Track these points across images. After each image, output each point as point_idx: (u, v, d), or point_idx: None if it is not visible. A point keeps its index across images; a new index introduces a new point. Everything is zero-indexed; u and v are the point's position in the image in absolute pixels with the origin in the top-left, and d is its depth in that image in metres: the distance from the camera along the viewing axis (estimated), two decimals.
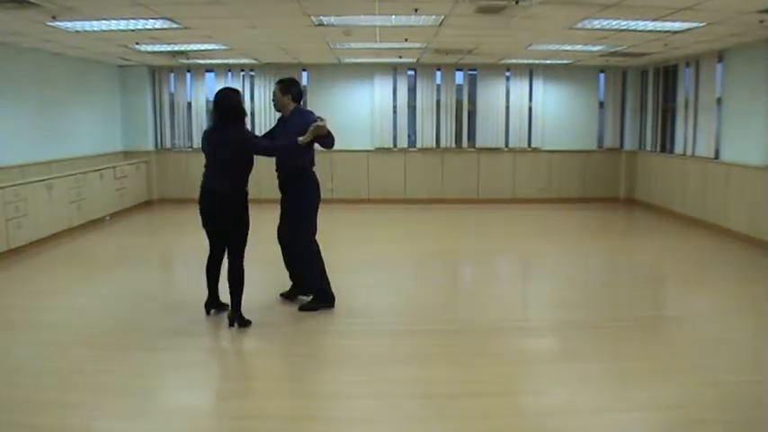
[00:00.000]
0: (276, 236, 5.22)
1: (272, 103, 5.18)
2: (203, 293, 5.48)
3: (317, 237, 5.07)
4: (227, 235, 4.65)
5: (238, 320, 4.67)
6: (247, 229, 4.63)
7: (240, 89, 10.86)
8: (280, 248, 5.24)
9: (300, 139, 4.66)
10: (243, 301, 4.66)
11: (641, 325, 4.84)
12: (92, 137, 9.89)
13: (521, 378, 3.90)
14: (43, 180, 7.68)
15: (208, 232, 4.80)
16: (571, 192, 11.37)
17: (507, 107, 11.24)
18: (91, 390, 3.61)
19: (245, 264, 4.65)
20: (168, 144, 11.38)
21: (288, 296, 5.32)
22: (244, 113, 4.64)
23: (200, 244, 5.27)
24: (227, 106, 4.55)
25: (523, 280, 6.79)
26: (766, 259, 6.93)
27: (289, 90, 4.95)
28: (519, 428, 3.24)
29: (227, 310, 4.79)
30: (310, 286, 5.15)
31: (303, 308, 5.09)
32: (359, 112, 11.19)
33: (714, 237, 8.17)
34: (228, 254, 4.67)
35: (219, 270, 4.85)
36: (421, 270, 6.83)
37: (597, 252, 7.76)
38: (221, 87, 4.80)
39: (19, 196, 7.07)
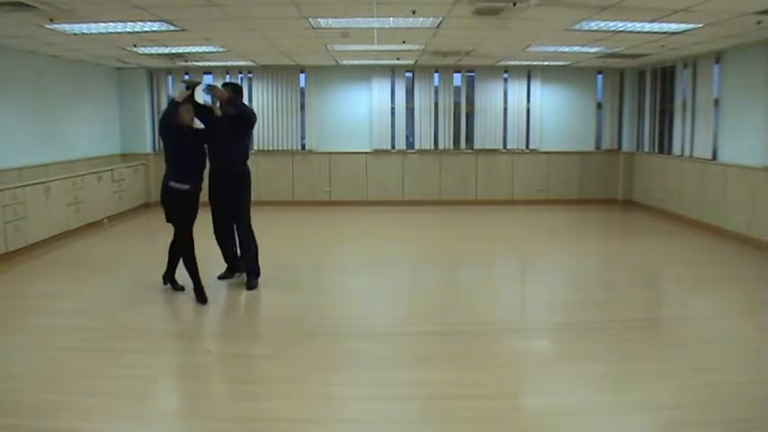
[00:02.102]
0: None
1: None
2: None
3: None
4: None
5: (171, 282, 5.65)
6: (187, 218, 5.32)
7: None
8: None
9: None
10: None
11: (640, 326, 4.85)
12: (90, 139, 9.88)
13: (520, 379, 3.91)
14: (41, 183, 7.67)
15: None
16: (569, 193, 11.38)
17: (505, 109, 11.25)
18: (88, 392, 3.60)
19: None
20: None
21: (224, 277, 6.02)
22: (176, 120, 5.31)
23: (199, 246, 5.36)
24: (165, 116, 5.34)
25: (522, 281, 6.79)
26: (764, 259, 6.95)
27: (241, 93, 5.97)
28: (519, 430, 3.25)
29: (181, 290, 5.58)
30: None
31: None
32: (357, 114, 11.20)
33: (712, 237, 8.19)
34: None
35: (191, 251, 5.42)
36: (419, 271, 6.83)
37: (595, 253, 7.76)
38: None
39: (17, 199, 7.06)
